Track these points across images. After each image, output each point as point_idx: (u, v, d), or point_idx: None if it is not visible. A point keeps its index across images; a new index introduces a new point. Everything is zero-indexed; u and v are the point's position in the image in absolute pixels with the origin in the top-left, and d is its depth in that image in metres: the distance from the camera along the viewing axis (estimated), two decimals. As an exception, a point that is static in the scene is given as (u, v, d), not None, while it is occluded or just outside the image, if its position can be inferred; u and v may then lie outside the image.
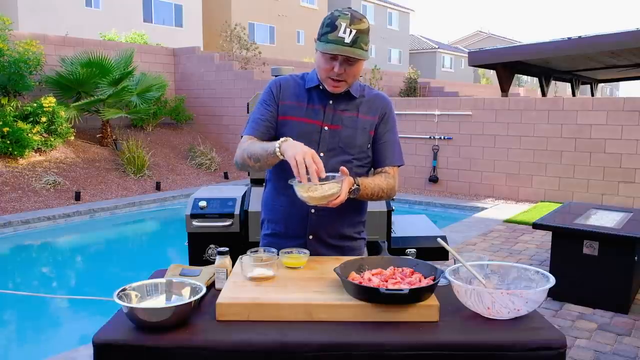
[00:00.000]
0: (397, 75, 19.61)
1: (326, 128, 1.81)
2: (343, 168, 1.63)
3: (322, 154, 1.79)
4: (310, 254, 1.78)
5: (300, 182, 1.56)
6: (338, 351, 1.29)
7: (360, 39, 1.66)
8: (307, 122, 1.81)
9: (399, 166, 1.92)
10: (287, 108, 1.83)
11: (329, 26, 1.67)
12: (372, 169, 1.93)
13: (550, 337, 1.32)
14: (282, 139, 1.66)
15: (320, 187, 1.56)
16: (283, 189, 1.81)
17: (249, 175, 3.29)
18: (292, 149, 1.59)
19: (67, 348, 3.32)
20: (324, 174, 1.57)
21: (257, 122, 1.84)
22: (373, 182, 1.80)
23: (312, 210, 1.82)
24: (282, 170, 1.81)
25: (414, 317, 1.38)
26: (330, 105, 1.82)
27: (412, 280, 1.48)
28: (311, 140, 1.78)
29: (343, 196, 1.61)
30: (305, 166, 1.53)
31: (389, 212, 2.87)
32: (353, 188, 1.70)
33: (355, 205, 1.86)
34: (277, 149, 1.63)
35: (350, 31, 1.64)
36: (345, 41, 1.64)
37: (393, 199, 3.02)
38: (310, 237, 1.85)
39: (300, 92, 1.85)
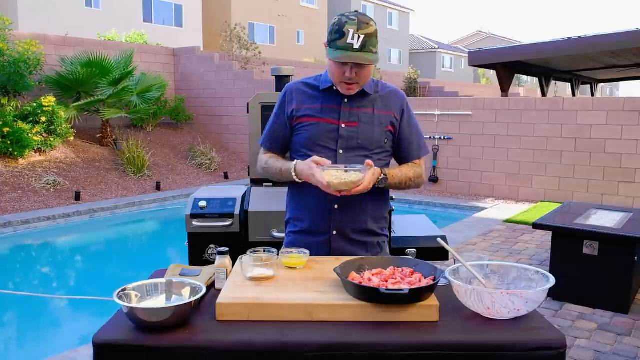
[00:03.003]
0: (397, 75, 19.61)
1: (343, 126, 1.84)
2: (368, 161, 1.73)
3: (341, 151, 1.84)
4: (335, 250, 1.85)
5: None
6: (338, 351, 1.29)
7: (369, 42, 1.70)
8: (324, 121, 1.85)
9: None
10: (302, 111, 1.87)
11: (338, 33, 1.71)
12: (401, 162, 2.01)
13: (550, 337, 1.32)
14: (292, 166, 1.80)
15: (343, 173, 1.68)
16: (308, 187, 1.82)
17: (249, 175, 3.29)
18: (305, 176, 1.76)
19: (67, 348, 3.32)
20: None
21: (271, 135, 1.96)
22: (400, 172, 1.89)
23: (336, 206, 1.84)
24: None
25: (414, 317, 1.38)
26: (346, 104, 1.86)
27: (412, 280, 1.48)
28: (330, 139, 1.83)
29: (366, 184, 1.71)
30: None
31: (389, 212, 2.86)
32: (380, 178, 1.79)
33: (377, 200, 1.90)
34: (294, 176, 1.81)
35: (359, 37, 1.68)
36: (355, 47, 1.69)
37: (393, 199, 3.02)
38: (334, 232, 1.86)
39: (314, 93, 1.89)
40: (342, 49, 1.70)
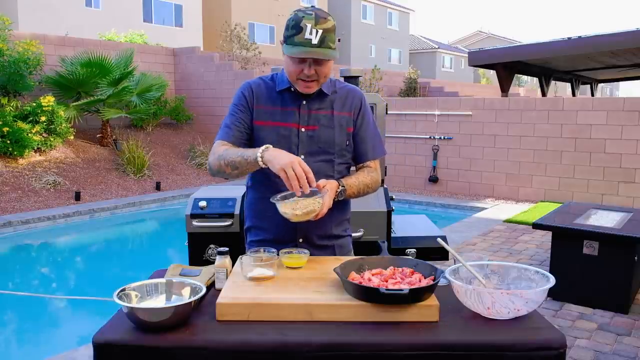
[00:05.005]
0: (397, 75, 19.62)
1: (303, 130, 1.79)
2: (318, 184, 1.64)
3: (302, 156, 1.76)
4: None
5: (287, 197, 1.60)
6: (338, 351, 1.29)
7: (328, 38, 1.64)
8: (284, 125, 1.78)
9: (380, 157, 1.93)
10: (262, 113, 1.80)
11: (295, 28, 1.63)
12: (355, 163, 1.92)
13: (550, 337, 1.32)
14: (263, 147, 1.63)
15: (303, 203, 1.58)
16: (269, 195, 1.71)
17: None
18: (277, 160, 1.58)
19: (67, 348, 3.32)
20: (314, 182, 1.58)
21: (230, 128, 1.81)
22: (357, 180, 1.82)
23: None
24: (266, 177, 1.78)
25: (414, 317, 1.38)
26: (304, 106, 1.79)
27: (412, 280, 1.47)
28: (290, 144, 1.77)
29: (325, 209, 1.64)
30: (297, 177, 1.54)
31: (389, 212, 2.87)
32: (339, 190, 1.73)
33: (340, 204, 1.84)
34: (260, 159, 1.62)
35: (317, 32, 1.61)
36: (313, 42, 1.62)
37: (393, 199, 3.02)
38: (300, 240, 1.84)
39: (272, 95, 1.82)
40: (299, 44, 1.62)
